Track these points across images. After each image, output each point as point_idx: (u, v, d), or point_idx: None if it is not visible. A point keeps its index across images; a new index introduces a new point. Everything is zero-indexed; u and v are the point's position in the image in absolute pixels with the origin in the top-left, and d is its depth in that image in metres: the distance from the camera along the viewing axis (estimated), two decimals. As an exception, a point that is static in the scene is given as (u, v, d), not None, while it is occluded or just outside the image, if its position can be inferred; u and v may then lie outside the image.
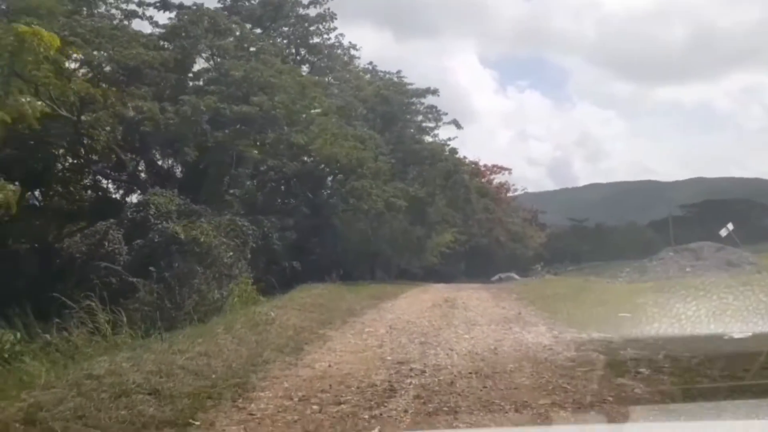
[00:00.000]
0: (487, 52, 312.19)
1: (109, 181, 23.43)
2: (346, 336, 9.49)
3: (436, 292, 19.39)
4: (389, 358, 7.58)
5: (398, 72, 31.82)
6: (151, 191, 17.61)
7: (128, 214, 15.80)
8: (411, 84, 31.57)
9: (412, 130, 31.81)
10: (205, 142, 19.24)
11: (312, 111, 20.28)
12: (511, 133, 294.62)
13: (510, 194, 43.35)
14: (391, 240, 30.38)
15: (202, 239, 13.98)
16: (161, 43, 20.43)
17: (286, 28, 27.33)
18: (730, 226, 21.63)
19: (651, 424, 3.04)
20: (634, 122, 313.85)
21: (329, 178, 26.15)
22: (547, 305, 13.19)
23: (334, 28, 27.51)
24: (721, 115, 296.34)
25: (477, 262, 42.70)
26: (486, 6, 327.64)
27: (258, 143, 19.57)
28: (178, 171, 23.42)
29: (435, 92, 32.20)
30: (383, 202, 23.37)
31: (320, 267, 30.25)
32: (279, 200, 28.75)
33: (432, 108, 32.72)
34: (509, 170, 42.71)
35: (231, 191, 22.62)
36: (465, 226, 35.87)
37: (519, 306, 13.73)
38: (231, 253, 14.16)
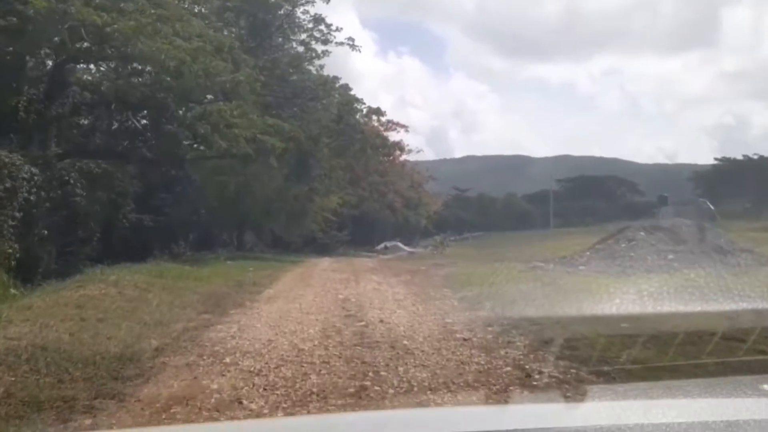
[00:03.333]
0: (369, 13, 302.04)
1: None
2: None
3: (324, 279, 12.03)
4: None
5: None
6: None
7: None
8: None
9: (292, 51, 22.53)
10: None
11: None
12: (391, 98, 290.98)
13: (404, 156, 35.77)
14: (263, 200, 22.56)
15: None
16: None
17: None
18: (707, 202, 16.28)
19: (609, 402, 2.37)
20: (506, 97, 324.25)
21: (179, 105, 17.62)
22: (527, 319, 6.50)
23: None
24: (584, 96, 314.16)
25: (361, 229, 35.98)
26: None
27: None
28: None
29: None
30: (251, 140, 15.12)
31: (169, 231, 22.31)
32: (110, 138, 19.93)
33: (320, 20, 22.58)
34: (406, 128, 34.07)
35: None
36: (355, 187, 28.60)
37: (482, 321, 6.92)
38: None
